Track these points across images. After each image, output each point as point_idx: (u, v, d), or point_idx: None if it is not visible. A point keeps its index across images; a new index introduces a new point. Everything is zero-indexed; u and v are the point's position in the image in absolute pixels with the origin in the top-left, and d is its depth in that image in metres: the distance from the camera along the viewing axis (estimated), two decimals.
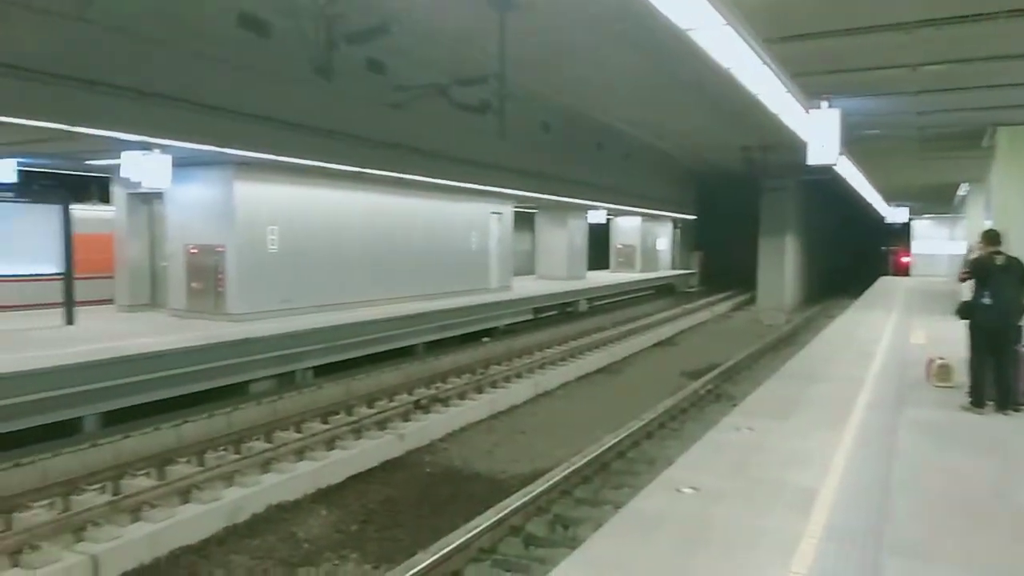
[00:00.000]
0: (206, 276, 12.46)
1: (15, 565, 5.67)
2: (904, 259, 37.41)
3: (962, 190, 20.45)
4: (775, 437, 6.41)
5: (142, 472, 7.72)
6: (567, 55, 10.79)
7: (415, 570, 5.48)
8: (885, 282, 29.17)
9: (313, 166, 11.13)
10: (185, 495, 7.08)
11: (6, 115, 7.18)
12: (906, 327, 14.54)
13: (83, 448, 8.22)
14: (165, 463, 7.95)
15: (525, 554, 6.28)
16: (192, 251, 12.56)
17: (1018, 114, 8.72)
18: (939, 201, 25.65)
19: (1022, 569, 4.09)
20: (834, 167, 9.14)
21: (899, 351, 11.56)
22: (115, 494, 7.13)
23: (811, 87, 6.53)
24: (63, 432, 8.62)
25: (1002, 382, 7.54)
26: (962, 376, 8.05)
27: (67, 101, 7.44)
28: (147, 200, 13.59)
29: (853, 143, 7.58)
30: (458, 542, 5.99)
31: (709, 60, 5.08)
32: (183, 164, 11.10)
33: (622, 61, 10.90)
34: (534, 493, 7.22)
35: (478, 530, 6.25)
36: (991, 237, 7.62)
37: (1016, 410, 7.52)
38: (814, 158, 7.08)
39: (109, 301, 14.07)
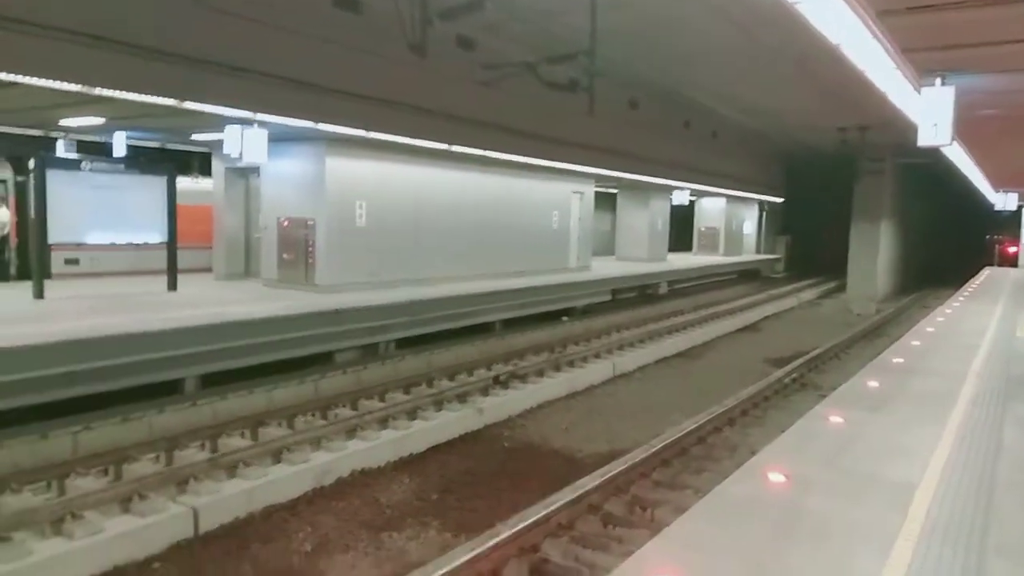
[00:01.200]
0: (297, 248, 12.92)
1: (125, 512, 6.08)
2: (1011, 248, 35.09)
3: None
4: (870, 429, 6.16)
5: (237, 432, 8.13)
6: (658, 28, 10.54)
7: (495, 541, 5.57)
8: (991, 273, 27.49)
9: (400, 143, 11.31)
10: (277, 456, 7.42)
11: (120, 90, 7.56)
12: (1013, 320, 13.69)
13: (184, 407, 8.72)
14: (258, 425, 8.34)
15: (603, 532, 6.29)
16: (284, 224, 13.03)
17: None
18: None
19: None
20: (944, 150, 8.62)
21: (1005, 344, 10.90)
22: (213, 451, 7.54)
23: (923, 63, 6.14)
24: (166, 392, 9.14)
25: None
26: None
27: (174, 77, 7.78)
28: (244, 174, 14.17)
29: (965, 124, 7.09)
30: (537, 516, 6.05)
31: (814, 33, 4.86)
32: (278, 139, 11.50)
33: (716, 33, 10.58)
34: (613, 473, 7.20)
35: (556, 506, 6.29)
36: None
37: None
38: (925, 139, 6.67)
39: (206, 270, 14.80)
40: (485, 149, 12.06)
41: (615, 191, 24.54)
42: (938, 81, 6.40)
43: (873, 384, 7.90)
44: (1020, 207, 30.86)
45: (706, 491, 4.91)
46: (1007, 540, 4.16)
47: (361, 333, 11.76)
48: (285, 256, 13.11)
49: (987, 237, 39.28)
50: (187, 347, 9.29)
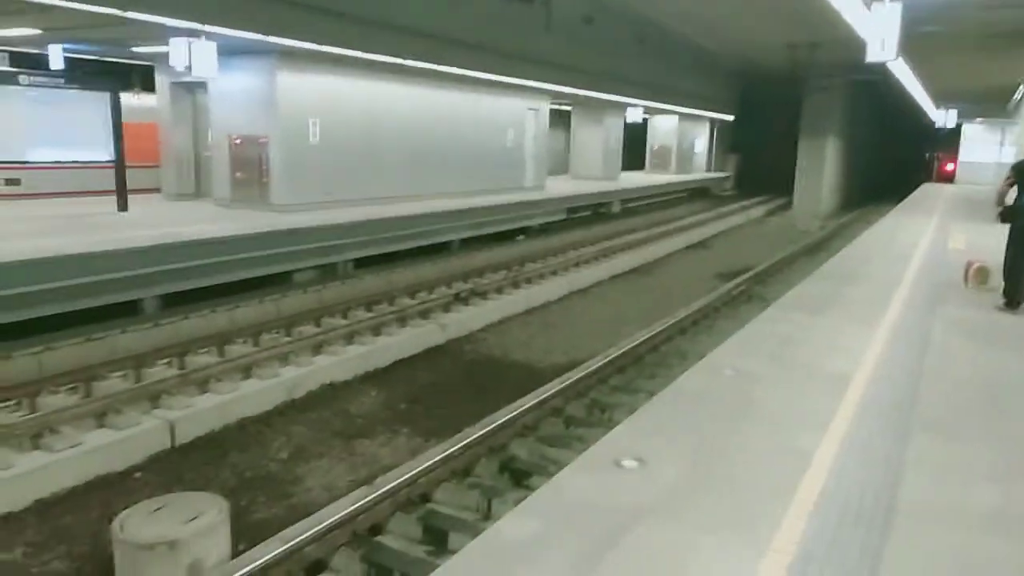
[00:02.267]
0: (250, 167, 12.71)
1: (101, 426, 6.22)
2: (949, 166, 36.33)
3: (1018, 93, 19.64)
4: (812, 330, 6.65)
5: (204, 350, 8.23)
6: None
7: (467, 440, 5.91)
8: (928, 189, 28.56)
9: (353, 57, 11.07)
10: (246, 371, 7.57)
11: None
12: (945, 233, 14.44)
13: (146, 327, 8.74)
14: (224, 343, 8.44)
15: (565, 432, 6.70)
16: (236, 142, 12.76)
17: None
18: (993, 104, 24.65)
19: None
20: (890, 66, 8.89)
21: (937, 255, 11.58)
22: (181, 368, 7.66)
23: None
24: (124, 313, 9.12)
25: None
26: (998, 279, 8.12)
27: None
28: (190, 89, 13.70)
29: (910, 41, 7.34)
30: (505, 418, 6.40)
31: None
32: (227, 53, 11.10)
33: None
34: (572, 379, 7.59)
35: (522, 409, 6.66)
36: None
37: None
38: (873, 56, 6.93)
39: (154, 190, 14.45)
40: (440, 64, 11.89)
41: (569, 108, 24.43)
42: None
43: (816, 291, 8.41)
44: (959, 124, 31.82)
45: (658, 392, 5.30)
46: (930, 417, 4.69)
47: (319, 253, 11.79)
48: (238, 175, 12.89)
49: (926, 154, 40.42)
50: (145, 267, 9.25)
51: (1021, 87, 18.74)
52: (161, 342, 8.46)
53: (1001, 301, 7.86)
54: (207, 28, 8.51)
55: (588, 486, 3.57)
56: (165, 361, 7.83)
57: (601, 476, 3.68)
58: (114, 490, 5.73)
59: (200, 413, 6.70)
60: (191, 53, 9.64)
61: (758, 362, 5.61)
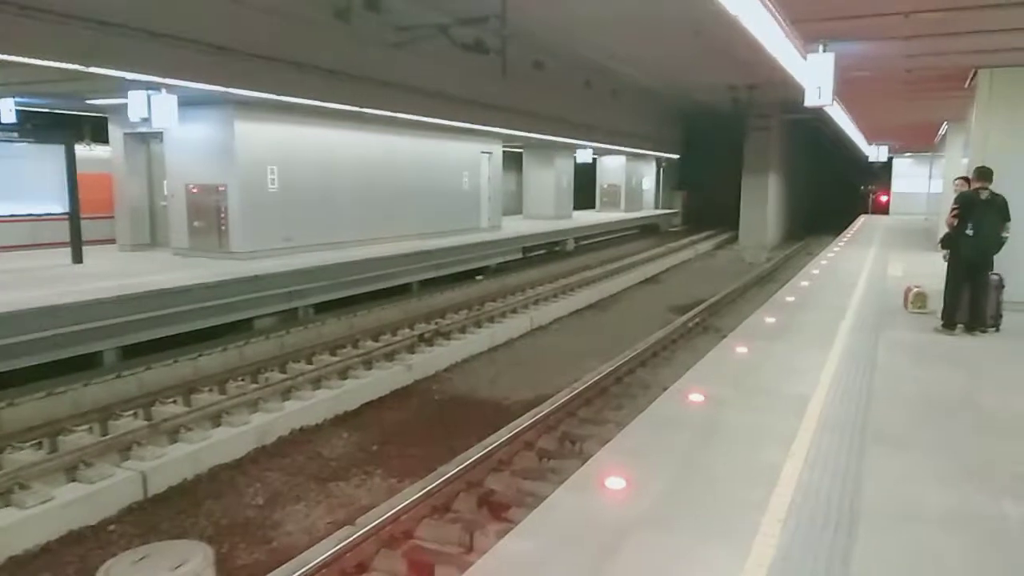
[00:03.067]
0: (208, 215, 12.71)
1: (72, 480, 6.14)
2: (883, 198, 38.09)
3: (942, 129, 20.92)
4: (770, 355, 7.02)
5: (170, 400, 8.17)
6: None
7: (444, 478, 6.01)
8: (865, 220, 29.90)
9: (311, 105, 11.29)
10: (216, 419, 7.55)
11: (22, 55, 7.31)
12: (884, 261, 15.21)
13: (109, 379, 8.63)
14: (190, 392, 8.40)
15: (539, 466, 6.85)
16: (193, 190, 12.77)
17: (999, 57, 9.14)
18: (919, 140, 26.12)
19: (980, 453, 4.77)
20: (826, 108, 9.53)
21: (878, 282, 12.22)
22: (148, 419, 7.59)
23: (808, 32, 6.89)
24: (85, 366, 8.99)
25: (975, 306, 8.17)
26: (936, 303, 8.67)
27: (79, 41, 7.57)
28: (144, 140, 13.69)
29: (842, 84, 7.94)
30: (479, 455, 6.53)
31: (714, 5, 5.42)
32: (183, 104, 11.21)
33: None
34: (542, 413, 7.77)
35: (496, 444, 6.80)
36: (982, 173, 8.08)
37: (983, 331, 8.19)
38: (811, 100, 7.50)
39: (108, 241, 14.29)
40: (399, 112, 12.19)
41: (520, 150, 25.01)
42: (820, 48, 7.20)
43: (770, 320, 8.82)
44: (890, 159, 33.50)
45: (626, 423, 5.55)
46: (882, 431, 5.07)
47: (280, 299, 11.80)
48: (196, 224, 12.87)
49: (862, 187, 42.29)
50: (105, 319, 9.16)
51: (944, 124, 19.97)
52: (125, 394, 8.37)
53: (939, 323, 8.39)
54: (169, 81, 8.63)
55: (578, 506, 3.79)
56: (131, 412, 7.74)
57: (589, 496, 3.90)
58: (89, 544, 5.66)
59: (172, 463, 6.65)
60: (151, 105, 9.71)
61: (723, 387, 5.92)
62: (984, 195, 7.93)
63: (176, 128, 11.86)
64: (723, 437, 4.85)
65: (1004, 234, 7.91)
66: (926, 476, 4.34)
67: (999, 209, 7.88)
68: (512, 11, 10.25)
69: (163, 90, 9.67)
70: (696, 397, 5.57)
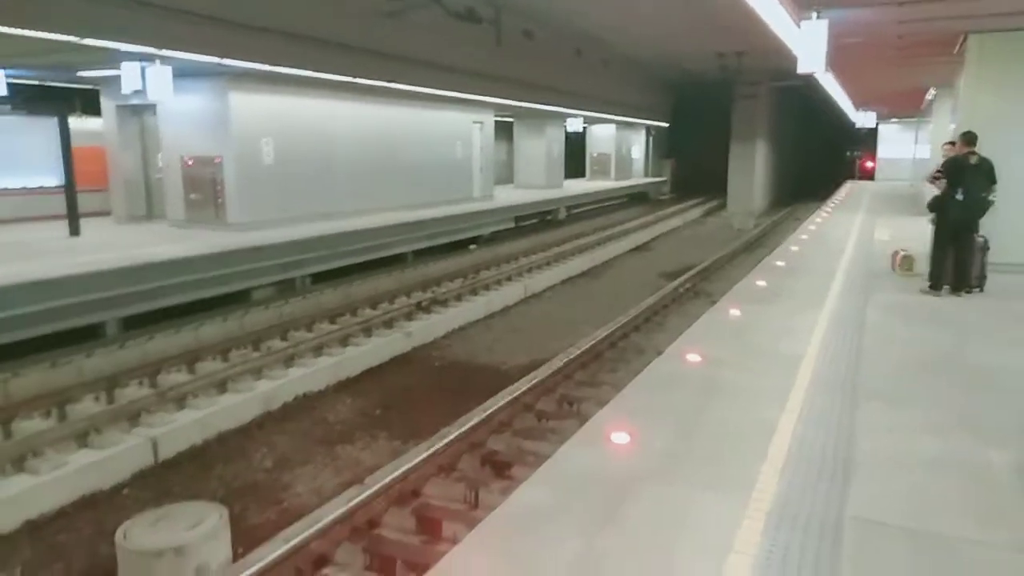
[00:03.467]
0: (204, 187, 12.72)
1: (84, 446, 6.28)
2: (869, 164, 38.28)
3: (930, 95, 21.04)
4: (763, 318, 7.23)
5: (174, 369, 8.30)
6: None
7: (446, 440, 6.20)
8: (852, 186, 30.11)
9: (304, 76, 11.27)
10: (221, 386, 7.70)
11: (19, 27, 7.28)
12: (871, 226, 15.43)
13: (112, 350, 8.74)
14: (194, 361, 8.53)
15: (539, 426, 7.06)
16: (188, 162, 12.75)
17: (989, 22, 9.26)
18: (906, 106, 26.23)
19: (966, 406, 5.00)
20: (816, 74, 9.64)
21: (866, 247, 12.44)
22: (154, 387, 7.73)
23: (805, 0, 7.03)
24: (87, 337, 9.09)
25: (960, 267, 8.40)
26: (922, 265, 8.88)
27: (72, 12, 7.54)
28: (137, 112, 13.62)
29: (833, 51, 8.06)
30: (481, 417, 6.72)
31: None
32: (177, 75, 11.15)
33: None
34: (540, 377, 7.96)
35: (496, 407, 6.99)
36: (969, 138, 8.24)
37: (968, 292, 8.43)
38: (803, 67, 7.61)
39: (103, 213, 14.27)
40: (391, 81, 12.18)
41: (511, 120, 24.94)
42: (814, 15, 7.31)
43: (761, 283, 9.02)
44: (877, 125, 33.62)
45: (622, 385, 5.74)
46: (871, 388, 5.29)
47: (278, 269, 11.88)
48: (192, 196, 12.87)
49: (848, 153, 42.44)
50: (106, 290, 9.23)
51: (932, 90, 20.09)
52: (129, 363, 8.49)
53: (926, 284, 8.61)
54: (163, 52, 8.61)
55: (586, 459, 4.00)
56: (137, 381, 7.88)
57: (596, 450, 4.11)
58: (103, 507, 5.83)
59: (181, 429, 6.81)
60: (145, 77, 9.68)
61: (719, 348, 6.12)
62: (972, 159, 8.10)
63: (170, 100, 11.82)
64: (721, 395, 5.05)
65: (991, 197, 8.10)
66: (916, 428, 4.55)
67: (986, 173, 8.06)
68: None
69: (157, 61, 9.62)
70: (693, 358, 5.77)
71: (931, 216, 8.58)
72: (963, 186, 8.08)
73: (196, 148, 12.58)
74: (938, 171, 8.45)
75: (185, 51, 8.87)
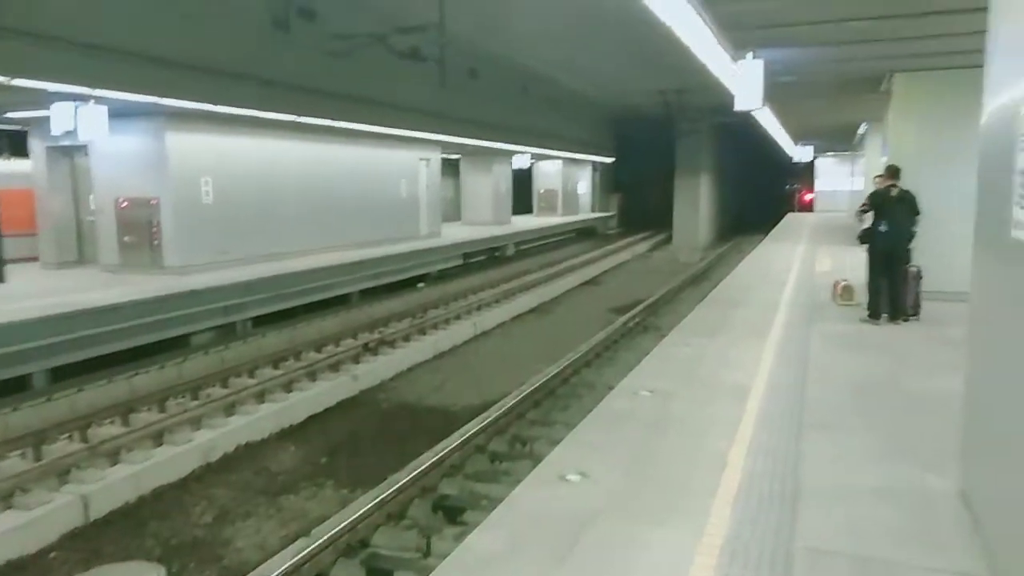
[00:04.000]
0: (139, 229, 12.35)
1: (9, 508, 5.89)
2: (807, 196, 39.58)
3: (861, 129, 21.97)
4: (711, 350, 7.29)
5: (107, 421, 7.92)
6: (496, 1, 11.07)
7: (396, 487, 6.02)
8: (792, 218, 31.05)
9: (245, 115, 11.11)
10: (158, 439, 7.35)
11: None
12: (812, 257, 15.86)
13: (39, 403, 8.31)
14: (129, 412, 8.15)
15: (491, 468, 6.93)
16: (123, 204, 12.38)
17: (911, 62, 9.79)
18: (841, 140, 27.31)
19: (908, 432, 5.12)
20: (754, 111, 9.95)
21: (807, 278, 12.75)
22: (85, 442, 7.34)
23: (738, 41, 7.26)
24: (13, 390, 8.62)
25: (894, 297, 8.65)
26: (862, 295, 9.12)
27: (3, 52, 7.29)
28: (68, 153, 13.21)
29: (769, 88, 8.35)
30: (432, 460, 6.56)
31: (648, 14, 5.64)
32: (112, 115, 10.87)
33: (553, 8, 11.28)
34: (492, 417, 7.85)
35: (448, 449, 6.84)
36: (891, 171, 8.60)
37: (905, 320, 8.68)
38: (741, 104, 7.85)
39: (32, 259, 13.71)
40: (337, 120, 12.11)
41: (457, 157, 25.06)
42: (750, 55, 7.56)
43: (708, 316, 9.14)
44: (814, 159, 34.90)
45: (575, 422, 5.72)
46: (816, 418, 5.37)
47: (218, 313, 11.54)
48: (126, 239, 12.46)
49: (788, 187, 43.84)
50: (33, 340, 8.80)
51: (863, 124, 20.97)
52: (58, 417, 8.07)
53: (865, 314, 8.83)
54: (99, 92, 8.38)
55: (541, 500, 3.96)
56: (66, 436, 7.47)
57: (550, 490, 4.07)
58: (29, 573, 5.45)
59: (113, 485, 6.47)
60: (78, 117, 9.39)
61: (669, 382, 6.14)
62: (895, 192, 8.42)
63: (104, 140, 11.50)
64: (672, 429, 5.06)
65: (914, 228, 8.41)
66: (858, 455, 4.63)
67: (909, 204, 8.38)
68: (449, 19, 10.32)
69: (92, 101, 9.35)
70: (644, 392, 5.78)
71: (865, 246, 8.85)
72: (887, 218, 8.38)
73: (131, 189, 12.22)
74: (864, 205, 8.75)
75: (122, 91, 8.66)
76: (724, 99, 10.25)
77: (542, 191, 31.06)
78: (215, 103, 9.65)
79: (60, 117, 9.53)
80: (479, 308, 14.74)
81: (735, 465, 4.37)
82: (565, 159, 29.10)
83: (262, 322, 12.48)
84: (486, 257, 22.14)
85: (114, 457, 6.88)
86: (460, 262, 19.92)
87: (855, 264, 9.36)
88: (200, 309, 11.14)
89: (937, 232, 8.62)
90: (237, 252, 13.14)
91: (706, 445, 4.74)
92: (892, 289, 8.65)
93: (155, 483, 6.80)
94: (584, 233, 31.95)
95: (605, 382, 9.45)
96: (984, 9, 4.02)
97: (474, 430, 7.42)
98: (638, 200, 36.71)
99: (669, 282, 18.68)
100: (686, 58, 8.07)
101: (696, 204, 27.39)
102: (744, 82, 7.65)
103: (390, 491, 5.90)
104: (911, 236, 8.46)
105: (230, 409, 8.34)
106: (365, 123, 12.76)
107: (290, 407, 8.75)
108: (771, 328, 8.46)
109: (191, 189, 12.34)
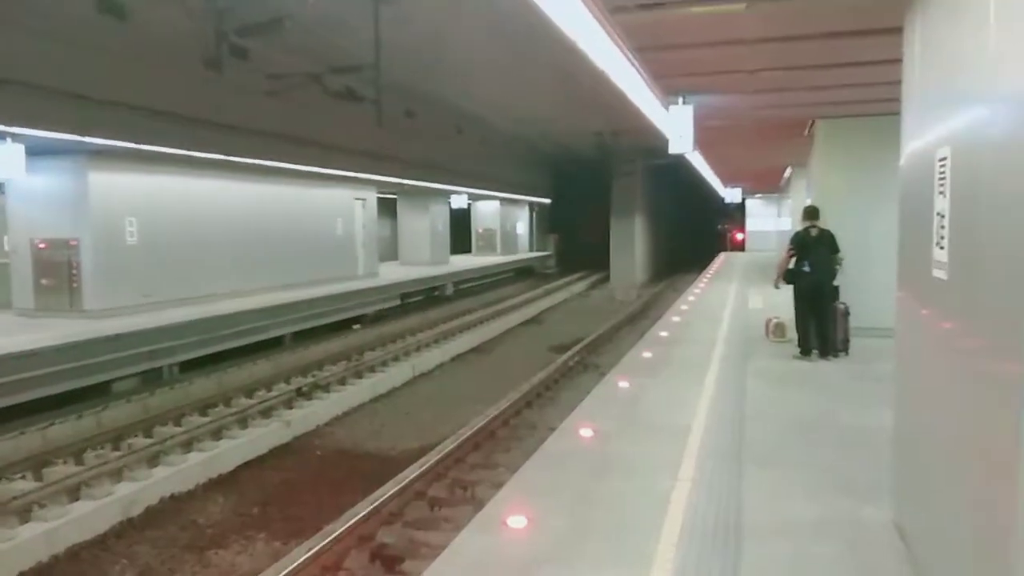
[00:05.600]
0: (58, 271, 11.78)
1: None
2: (739, 236, 40.90)
3: (787, 172, 22.92)
4: (650, 389, 7.34)
5: (17, 476, 7.40)
6: (435, 44, 11.17)
7: (331, 537, 5.77)
8: (724, 257, 31.96)
9: (174, 154, 10.81)
10: (74, 493, 6.91)
11: None
12: (745, 295, 16.28)
13: None
14: (42, 465, 7.65)
15: (431, 515, 6.73)
16: (40, 245, 11.81)
17: (832, 110, 10.32)
18: (768, 182, 28.38)
19: (841, 465, 5.24)
20: (686, 154, 10.26)
21: (741, 315, 13.06)
22: None
23: (669, 87, 7.53)
24: None
25: (823, 334, 8.91)
26: (794, 332, 9.37)
27: None
28: None
29: (700, 132, 8.64)
30: (368, 508, 6.33)
31: (587, 62, 5.78)
32: (29, 153, 10.42)
33: (488, 50, 11.46)
34: (431, 462, 7.65)
35: (386, 496, 6.61)
36: (809, 212, 8.97)
37: (835, 356, 8.93)
38: (673, 148, 8.10)
39: None
40: (269, 160, 11.91)
41: (395, 196, 24.97)
42: (680, 100, 7.81)
43: (647, 355, 9.21)
44: (744, 200, 36.16)
45: (517, 464, 5.64)
46: (755, 453, 5.45)
47: (142, 358, 11.03)
48: (44, 282, 11.85)
49: (720, 227, 45.24)
50: None
51: (788, 168, 21.89)
52: None
53: (797, 351, 9.06)
54: (16, 130, 8.02)
55: (483, 546, 3.85)
56: None
57: (494, 536, 3.97)
58: None
59: (23, 544, 6.00)
60: None
61: (611, 421, 6.14)
62: (814, 232, 8.75)
63: (21, 179, 10.96)
64: (615, 469, 5.03)
65: (836, 266, 8.74)
66: (796, 491, 4.69)
67: (828, 243, 8.72)
68: (384, 60, 10.34)
69: (8, 139, 8.93)
70: (586, 432, 5.75)
71: (782, 287, 9.13)
72: (808, 258, 8.68)
73: (49, 230, 11.66)
74: (790, 249, 9.02)
75: (41, 129, 8.32)
76: (658, 142, 10.54)
77: (480, 230, 31.20)
78: (139, 142, 9.36)
79: None
80: (418, 349, 14.54)
81: (678, 504, 4.36)
82: (503, 199, 29.36)
83: (190, 367, 11.98)
84: (424, 297, 21.96)
85: (25, 514, 6.41)
86: (398, 302, 19.68)
87: (785, 301, 9.61)
88: (122, 354, 10.63)
89: (862, 270, 8.96)
90: (164, 294, 12.64)
91: (649, 485, 4.72)
92: (821, 326, 8.91)
93: (70, 541, 6.35)
94: (522, 272, 32.13)
95: (547, 422, 9.37)
96: (898, 60, 4.23)
97: (413, 475, 7.20)
98: (575, 240, 37.22)
99: (608, 320, 18.84)
100: (620, 101, 8.27)
101: (632, 244, 27.93)
102: (676, 126, 7.89)
103: (325, 541, 5.64)
104: (833, 274, 8.76)
105: (154, 459, 7.92)
106: (298, 162, 12.60)
107: (219, 456, 8.37)
108: (709, 365, 8.59)
109: (114, 229, 11.86)
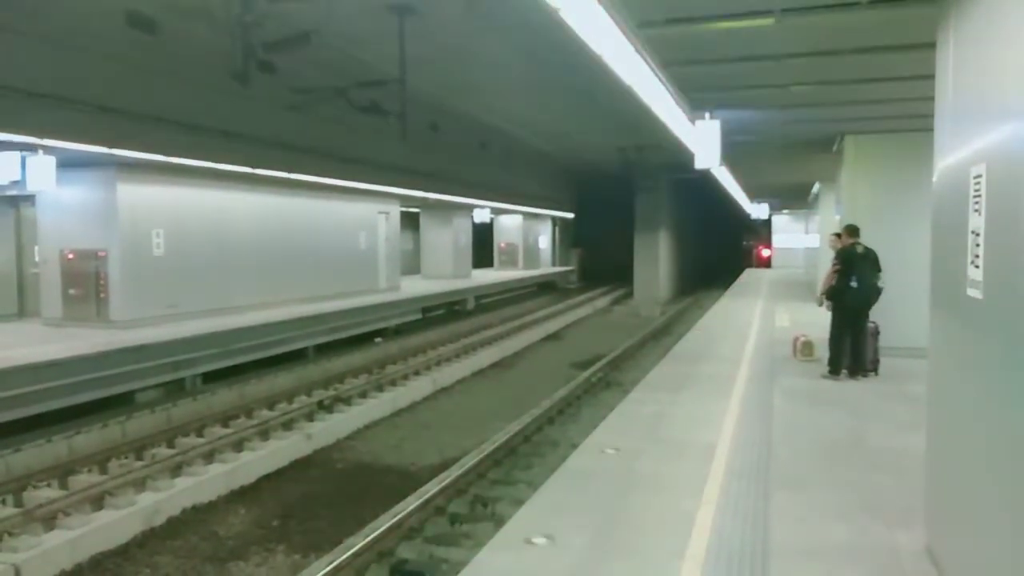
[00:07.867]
0: (86, 282, 11.96)
1: None
2: (765, 252, 40.46)
3: (815, 188, 22.67)
4: (675, 407, 7.23)
5: (43, 484, 7.47)
6: (459, 59, 11.23)
7: (352, 551, 5.73)
8: (749, 274, 31.63)
9: (201, 167, 10.95)
10: (98, 502, 6.94)
11: None
12: (771, 313, 16.07)
13: None
14: (67, 474, 7.72)
15: (451, 531, 6.67)
16: (69, 256, 12.00)
17: (862, 125, 10.19)
18: (796, 198, 28.08)
19: (872, 487, 5.08)
20: (711, 169, 10.17)
21: (768, 333, 12.87)
22: (20, 506, 6.89)
23: (696, 102, 7.48)
24: None
25: (857, 352, 8.74)
26: (821, 351, 9.20)
27: None
28: (13, 203, 12.82)
29: (726, 148, 8.57)
30: (389, 523, 6.29)
31: (613, 78, 5.75)
32: (59, 165, 10.62)
33: (513, 65, 11.48)
34: (452, 477, 7.60)
35: (405, 512, 6.57)
36: (852, 230, 8.79)
37: (865, 376, 8.75)
38: (700, 163, 8.02)
39: None
40: (294, 173, 12.01)
41: (417, 210, 25.08)
42: (707, 115, 7.76)
43: (671, 372, 9.11)
44: (770, 216, 35.79)
45: (538, 481, 5.58)
46: (782, 474, 5.31)
47: (166, 369, 11.13)
48: (72, 292, 12.03)
49: (746, 243, 44.82)
50: None
51: (816, 184, 21.66)
52: None
53: (826, 370, 8.90)
54: (48, 142, 8.16)
55: (506, 564, 3.79)
56: (0, 499, 7.02)
57: (516, 554, 3.90)
58: None
59: (48, 552, 6.04)
60: (25, 167, 9.13)
61: (634, 440, 6.04)
62: (860, 249, 8.60)
63: (52, 190, 11.18)
64: (638, 487, 4.94)
65: (880, 284, 8.57)
66: (826, 513, 4.56)
67: (873, 261, 8.55)
68: (410, 75, 10.40)
69: (40, 151, 9.10)
70: (609, 450, 5.68)
71: (827, 304, 8.94)
72: (856, 274, 8.52)
73: (78, 241, 11.86)
74: (836, 264, 8.85)
75: (72, 141, 8.46)
76: (683, 157, 10.45)
77: (503, 245, 31.21)
78: (167, 154, 9.48)
79: (6, 166, 9.24)
80: (438, 363, 14.50)
81: (703, 525, 4.26)
82: (525, 213, 29.37)
83: (212, 378, 12.06)
84: (446, 311, 21.97)
85: (50, 522, 6.45)
86: (419, 316, 19.70)
87: (813, 319, 9.46)
88: (147, 365, 10.74)
89: (892, 289, 8.77)
90: (189, 305, 12.78)
91: (674, 505, 4.63)
92: (855, 345, 8.74)
93: (94, 550, 6.38)
94: (545, 287, 32.04)
95: (569, 439, 9.28)
96: (930, 76, 4.15)
97: (434, 491, 7.15)
98: (598, 255, 37.09)
99: (631, 337, 18.68)
100: (646, 117, 8.23)
101: (656, 259, 27.73)
102: (702, 141, 7.82)
103: (345, 556, 5.60)
104: (879, 292, 8.59)
105: (176, 470, 7.95)
106: (323, 176, 12.69)
107: (241, 467, 8.37)
108: (734, 383, 8.45)
109: (141, 241, 12.03)
